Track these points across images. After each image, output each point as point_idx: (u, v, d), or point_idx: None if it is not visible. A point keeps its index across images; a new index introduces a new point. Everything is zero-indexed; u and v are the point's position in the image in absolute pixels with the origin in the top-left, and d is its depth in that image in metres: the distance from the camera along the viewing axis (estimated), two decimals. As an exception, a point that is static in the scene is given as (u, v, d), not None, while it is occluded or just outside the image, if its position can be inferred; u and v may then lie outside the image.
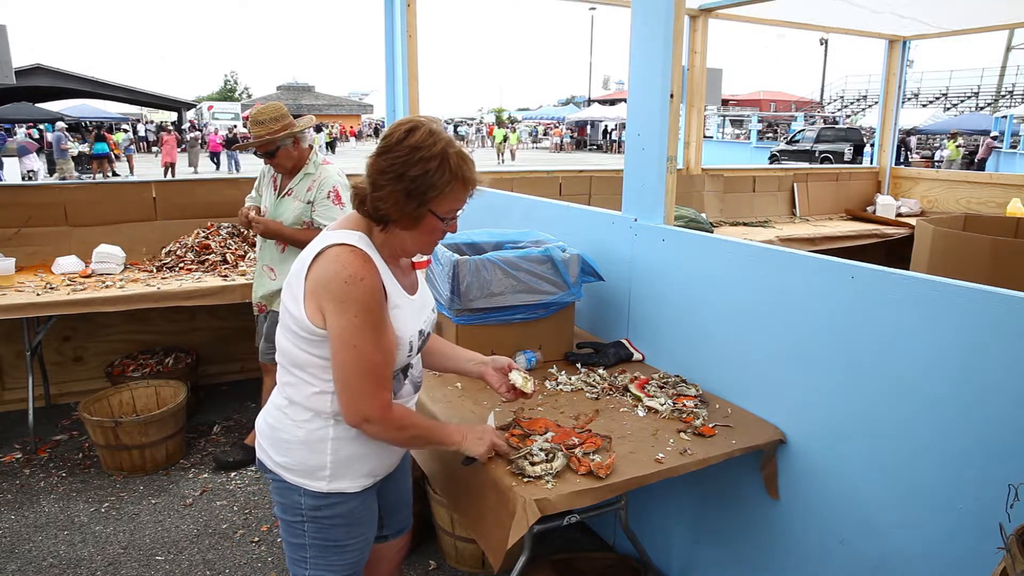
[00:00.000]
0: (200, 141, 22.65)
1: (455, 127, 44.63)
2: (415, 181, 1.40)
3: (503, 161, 27.84)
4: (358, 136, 44.77)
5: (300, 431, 1.54)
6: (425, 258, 1.68)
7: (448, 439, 1.62)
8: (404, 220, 1.45)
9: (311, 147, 3.23)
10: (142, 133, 33.38)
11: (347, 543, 1.62)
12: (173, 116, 38.10)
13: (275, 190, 3.22)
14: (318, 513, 1.58)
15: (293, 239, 3.08)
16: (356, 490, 1.59)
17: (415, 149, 1.40)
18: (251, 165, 20.66)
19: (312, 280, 1.44)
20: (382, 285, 1.45)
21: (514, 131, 33.99)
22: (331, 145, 31.45)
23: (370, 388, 1.44)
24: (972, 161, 19.99)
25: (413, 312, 1.57)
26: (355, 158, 20.36)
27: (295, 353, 1.51)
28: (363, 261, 1.42)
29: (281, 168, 3.17)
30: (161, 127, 31.83)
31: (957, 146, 20.77)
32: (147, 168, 21.95)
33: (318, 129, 28.86)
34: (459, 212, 1.50)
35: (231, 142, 21.85)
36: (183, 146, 22.82)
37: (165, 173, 18.95)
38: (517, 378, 1.81)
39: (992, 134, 21.62)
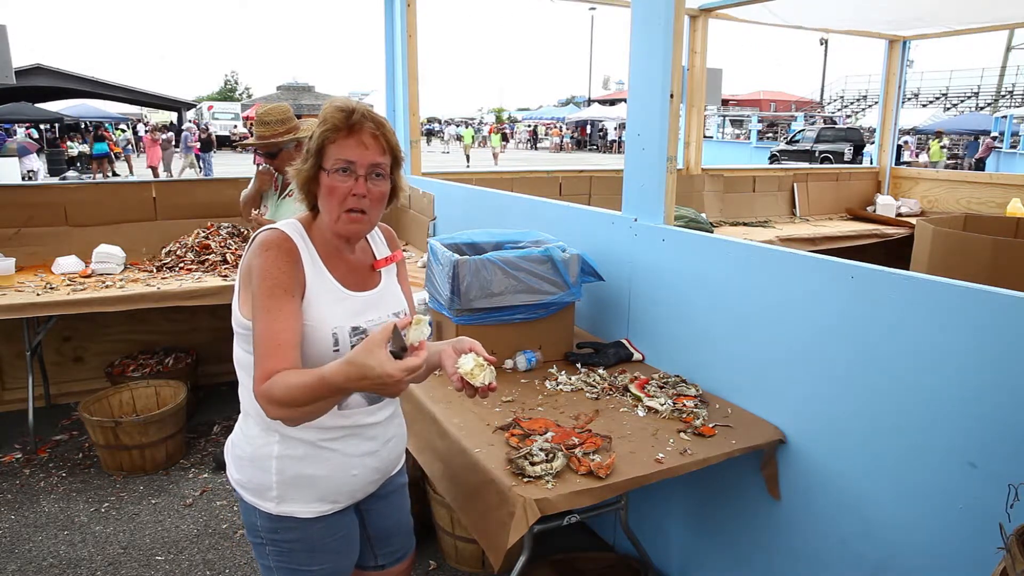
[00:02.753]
0: (175, 143, 22.21)
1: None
2: (310, 143, 1.43)
3: (469, 166, 24.53)
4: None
5: (249, 447, 1.48)
6: (387, 255, 1.59)
7: (344, 389, 1.24)
8: (311, 189, 1.43)
9: None
10: (141, 133, 33.22)
11: (313, 568, 1.52)
12: (173, 116, 37.95)
13: (275, 191, 3.22)
14: (275, 536, 1.49)
15: None
16: (309, 516, 1.48)
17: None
18: (223, 168, 20.64)
19: (240, 269, 1.44)
20: (300, 266, 1.40)
21: (495, 131, 31.55)
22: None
23: (256, 356, 1.32)
24: (958, 163, 19.50)
25: (347, 307, 1.45)
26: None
27: (239, 355, 1.47)
28: (278, 238, 1.40)
29: (281, 170, 3.17)
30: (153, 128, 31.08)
31: (941, 147, 19.93)
32: (145, 169, 21.87)
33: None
34: (349, 166, 1.39)
35: (207, 144, 21.54)
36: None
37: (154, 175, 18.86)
38: (467, 363, 1.40)
39: (992, 134, 21.58)
